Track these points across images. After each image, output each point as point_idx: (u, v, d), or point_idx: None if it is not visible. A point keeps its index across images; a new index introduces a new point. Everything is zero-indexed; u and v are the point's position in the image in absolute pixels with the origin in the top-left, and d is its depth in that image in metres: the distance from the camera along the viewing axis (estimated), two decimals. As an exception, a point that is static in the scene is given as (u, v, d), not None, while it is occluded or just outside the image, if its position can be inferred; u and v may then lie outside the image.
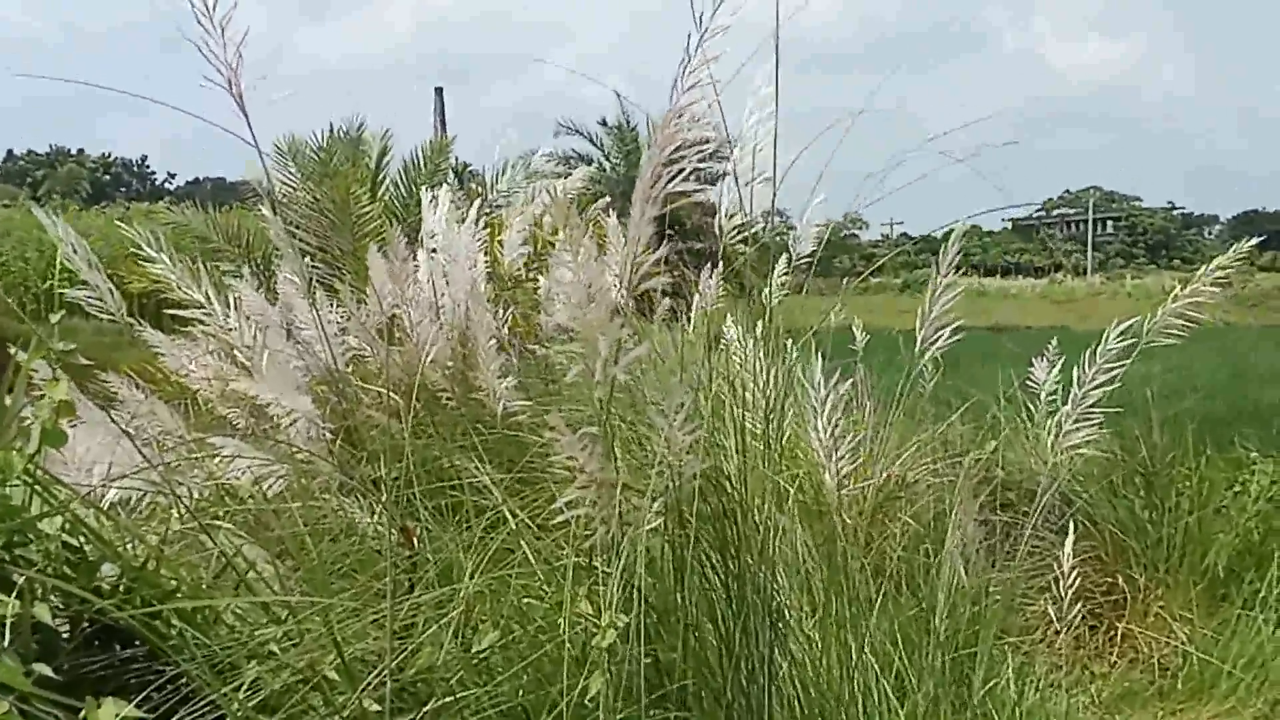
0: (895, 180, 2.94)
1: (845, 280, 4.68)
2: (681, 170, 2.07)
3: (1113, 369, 3.07)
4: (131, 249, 4.08)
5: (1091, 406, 3.08)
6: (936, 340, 3.27)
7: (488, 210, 10.75)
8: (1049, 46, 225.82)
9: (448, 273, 4.66)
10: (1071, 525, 3.78)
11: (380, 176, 12.42)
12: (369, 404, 4.05)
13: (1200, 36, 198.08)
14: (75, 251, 3.46)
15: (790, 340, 3.65)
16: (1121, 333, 3.07)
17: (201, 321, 4.10)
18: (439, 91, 26.80)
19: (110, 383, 4.08)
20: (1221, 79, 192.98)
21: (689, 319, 6.19)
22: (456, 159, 14.83)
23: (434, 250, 4.84)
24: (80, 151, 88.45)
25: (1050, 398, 3.87)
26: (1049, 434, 3.15)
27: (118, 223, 3.62)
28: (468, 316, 4.51)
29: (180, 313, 4.11)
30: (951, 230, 3.30)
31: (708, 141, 2.12)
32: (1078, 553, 5.06)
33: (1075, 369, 3.20)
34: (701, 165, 2.11)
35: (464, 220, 4.96)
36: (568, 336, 2.35)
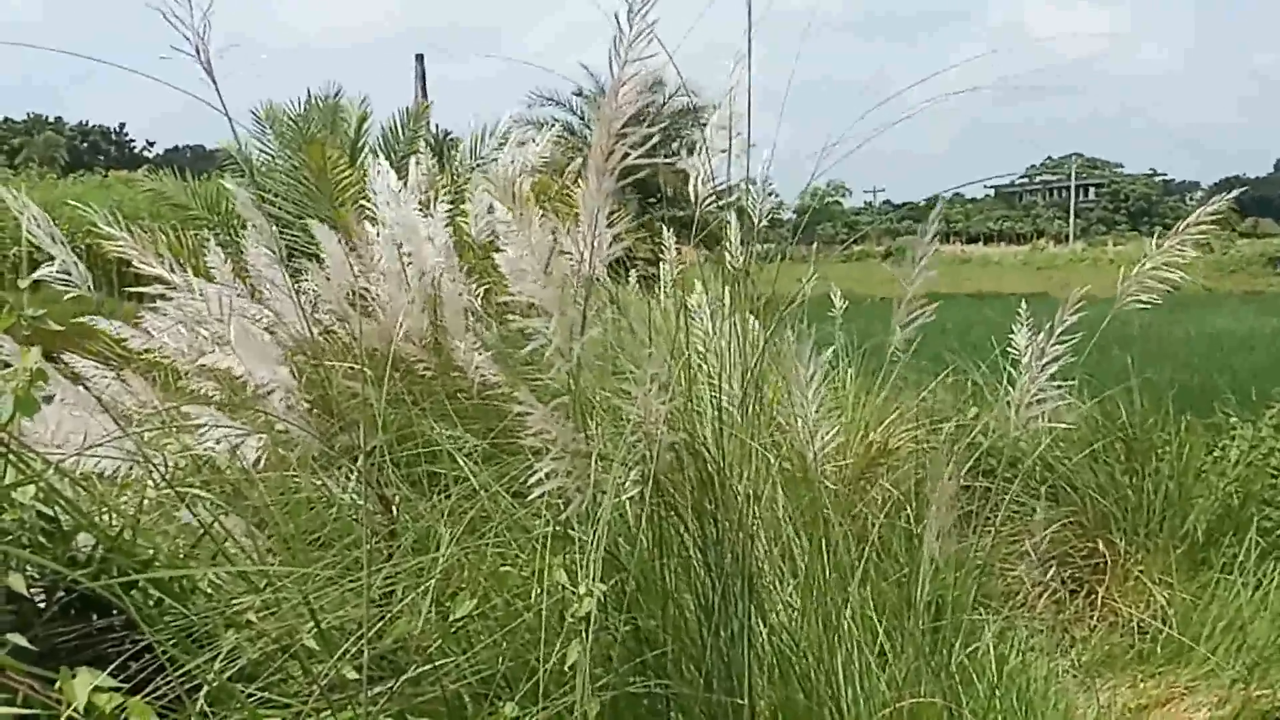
0: (879, 148, 2.92)
1: (817, 247, 4.66)
2: (630, 141, 2.06)
3: (1068, 340, 3.00)
4: (89, 226, 3.99)
5: (1053, 376, 3.01)
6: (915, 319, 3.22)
7: (466, 178, 10.70)
8: (1035, 15, 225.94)
9: (411, 243, 4.59)
10: (1051, 492, 3.76)
11: (360, 144, 12.31)
12: (344, 374, 4.02)
13: (1184, 8, 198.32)
14: (39, 225, 3.40)
15: (767, 306, 3.64)
16: (1078, 302, 3.00)
17: (165, 296, 4.05)
18: (419, 58, 26.50)
19: (84, 354, 4.04)
20: (1204, 50, 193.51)
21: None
22: (437, 127, 14.71)
23: (384, 223, 4.76)
24: (58, 119, 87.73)
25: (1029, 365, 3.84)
26: (1012, 407, 3.08)
27: (72, 201, 3.52)
28: (437, 287, 4.46)
29: (143, 289, 4.05)
30: (935, 197, 3.24)
31: (659, 113, 2.10)
32: (1058, 518, 5.11)
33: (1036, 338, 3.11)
34: (660, 133, 2.09)
35: (419, 188, 4.90)
36: (516, 312, 2.35)
